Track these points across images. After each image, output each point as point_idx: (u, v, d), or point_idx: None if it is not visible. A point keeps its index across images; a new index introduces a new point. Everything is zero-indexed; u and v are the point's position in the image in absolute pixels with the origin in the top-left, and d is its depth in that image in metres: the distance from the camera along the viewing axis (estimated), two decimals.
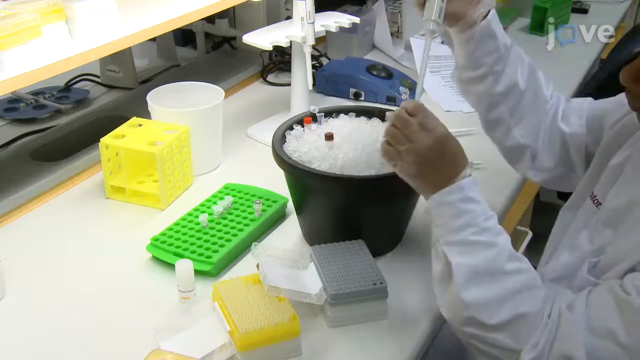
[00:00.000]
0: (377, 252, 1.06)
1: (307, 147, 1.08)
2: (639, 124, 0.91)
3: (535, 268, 0.90)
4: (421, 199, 0.95)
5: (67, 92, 1.71)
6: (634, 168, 0.91)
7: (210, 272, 1.06)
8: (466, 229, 0.87)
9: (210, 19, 1.86)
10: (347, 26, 1.50)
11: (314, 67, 1.68)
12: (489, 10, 1.03)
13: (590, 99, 1.14)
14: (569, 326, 0.80)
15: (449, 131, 0.91)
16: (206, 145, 1.35)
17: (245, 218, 1.17)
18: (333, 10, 1.56)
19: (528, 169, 1.14)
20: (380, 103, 1.67)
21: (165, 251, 1.09)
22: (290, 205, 1.20)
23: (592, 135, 1.09)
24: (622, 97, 0.99)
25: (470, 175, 0.89)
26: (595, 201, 0.96)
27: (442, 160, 0.89)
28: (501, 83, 1.07)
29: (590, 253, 0.90)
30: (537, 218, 1.93)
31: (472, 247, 0.86)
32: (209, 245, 1.10)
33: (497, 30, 1.05)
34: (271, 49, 1.40)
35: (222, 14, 1.85)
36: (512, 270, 0.85)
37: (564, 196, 1.10)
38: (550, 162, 1.13)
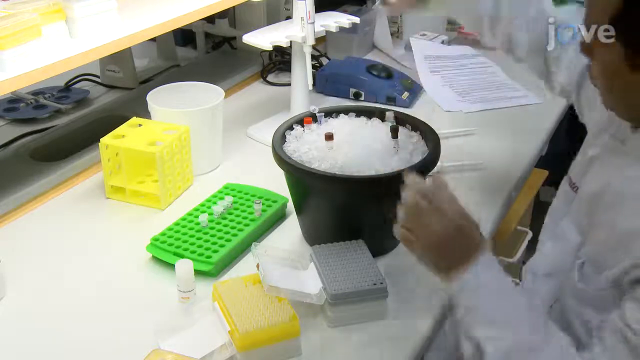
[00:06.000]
0: (377, 252, 1.06)
1: (307, 147, 1.08)
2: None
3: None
4: None
5: (67, 92, 1.71)
6: (609, 154, 0.91)
7: (210, 272, 1.06)
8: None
9: (210, 19, 1.86)
10: (347, 26, 1.50)
11: (314, 67, 1.67)
12: None
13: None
14: None
15: (462, 211, 0.87)
16: (206, 145, 1.35)
17: (245, 218, 1.17)
18: (333, 10, 1.56)
19: None
20: (380, 103, 1.67)
21: (165, 251, 1.09)
22: (290, 205, 1.20)
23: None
24: None
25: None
26: (574, 186, 0.96)
27: (459, 245, 0.85)
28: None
29: (577, 245, 0.90)
30: (537, 218, 1.92)
31: None
32: (209, 245, 1.10)
33: None
34: (271, 49, 1.40)
35: (222, 14, 1.85)
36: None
37: None
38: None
